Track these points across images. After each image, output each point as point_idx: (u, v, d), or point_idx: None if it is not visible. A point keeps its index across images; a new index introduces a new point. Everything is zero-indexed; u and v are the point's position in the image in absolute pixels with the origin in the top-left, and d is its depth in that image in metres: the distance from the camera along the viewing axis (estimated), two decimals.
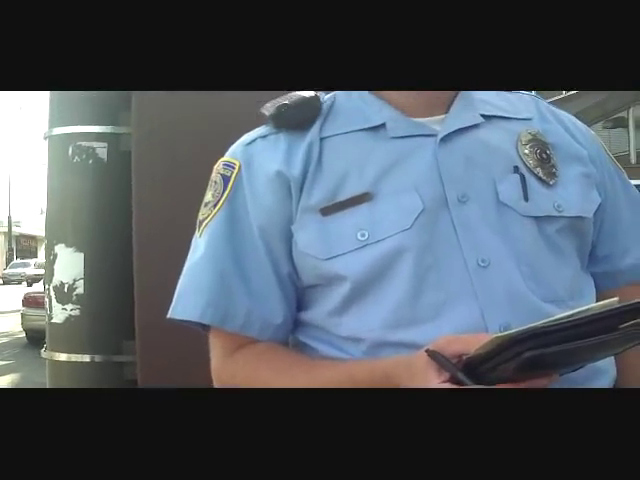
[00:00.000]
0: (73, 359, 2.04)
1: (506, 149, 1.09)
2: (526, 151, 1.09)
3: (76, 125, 2.10)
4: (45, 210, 2.24)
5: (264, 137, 1.13)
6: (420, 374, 0.91)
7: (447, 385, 0.88)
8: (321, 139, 1.10)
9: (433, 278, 1.01)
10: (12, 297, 17.69)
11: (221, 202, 1.11)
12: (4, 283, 33.53)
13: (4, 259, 42.56)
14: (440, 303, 1.01)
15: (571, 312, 0.84)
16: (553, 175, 1.09)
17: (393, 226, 1.02)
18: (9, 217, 43.49)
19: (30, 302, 11.27)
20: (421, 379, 0.91)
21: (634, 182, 1.23)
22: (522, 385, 0.86)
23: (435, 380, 0.89)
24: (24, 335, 11.75)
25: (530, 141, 1.10)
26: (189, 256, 1.14)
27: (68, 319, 2.06)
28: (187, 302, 1.10)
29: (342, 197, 1.05)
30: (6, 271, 35.93)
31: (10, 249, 44.94)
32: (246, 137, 1.16)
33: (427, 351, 0.91)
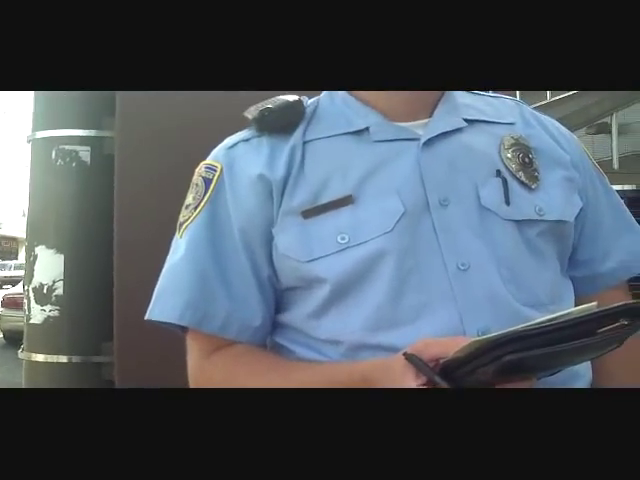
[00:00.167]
0: (50, 360, 2.04)
1: (489, 153, 1.09)
2: (509, 155, 1.09)
3: (60, 129, 2.11)
4: (27, 212, 2.24)
5: (247, 140, 1.13)
6: (398, 377, 0.90)
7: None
8: (304, 143, 1.10)
9: (414, 281, 1.01)
10: None
11: (202, 204, 1.10)
12: None
13: None
14: (420, 306, 1.00)
15: (551, 316, 0.84)
16: (535, 179, 1.09)
17: (375, 229, 1.02)
18: None
19: (9, 303, 11.20)
20: (399, 382, 0.90)
21: (616, 187, 1.24)
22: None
23: (412, 383, 0.88)
24: (1, 336, 11.65)
25: (513, 145, 1.11)
26: (169, 257, 1.13)
27: (47, 320, 2.05)
28: (165, 303, 1.09)
29: (324, 200, 1.05)
30: None
31: None
32: (228, 140, 1.15)
33: (405, 354, 0.90)
